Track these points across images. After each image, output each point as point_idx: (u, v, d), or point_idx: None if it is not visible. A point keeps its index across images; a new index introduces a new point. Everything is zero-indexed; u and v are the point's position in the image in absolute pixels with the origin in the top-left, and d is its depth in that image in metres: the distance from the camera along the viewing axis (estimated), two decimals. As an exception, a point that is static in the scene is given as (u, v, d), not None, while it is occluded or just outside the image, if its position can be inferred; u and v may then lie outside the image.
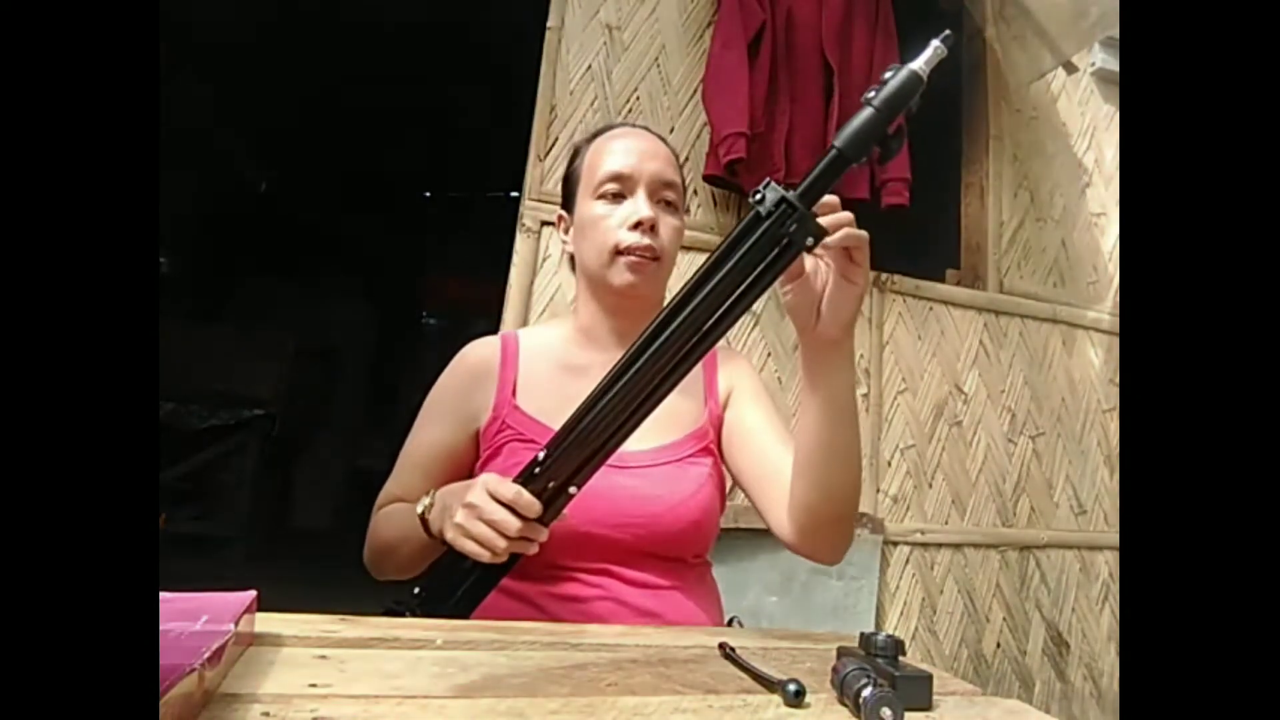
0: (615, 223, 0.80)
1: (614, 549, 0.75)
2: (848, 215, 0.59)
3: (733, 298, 0.56)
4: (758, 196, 0.55)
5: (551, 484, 0.60)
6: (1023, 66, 1.93)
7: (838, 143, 0.56)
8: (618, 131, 0.87)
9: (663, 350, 0.56)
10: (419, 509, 0.70)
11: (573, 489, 0.60)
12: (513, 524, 0.59)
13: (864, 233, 0.60)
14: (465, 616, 0.65)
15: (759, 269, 0.55)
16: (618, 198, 0.81)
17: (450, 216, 6.06)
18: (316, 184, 5.46)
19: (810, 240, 0.55)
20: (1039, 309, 2.06)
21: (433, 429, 0.84)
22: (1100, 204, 2.21)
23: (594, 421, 0.58)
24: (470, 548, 0.61)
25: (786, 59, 1.77)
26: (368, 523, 0.82)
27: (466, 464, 0.83)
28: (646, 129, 0.88)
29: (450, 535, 0.63)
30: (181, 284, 4.48)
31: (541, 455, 0.60)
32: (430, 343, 6.08)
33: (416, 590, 0.66)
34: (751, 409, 0.84)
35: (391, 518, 0.79)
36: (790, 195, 0.55)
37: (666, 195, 0.82)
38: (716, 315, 0.56)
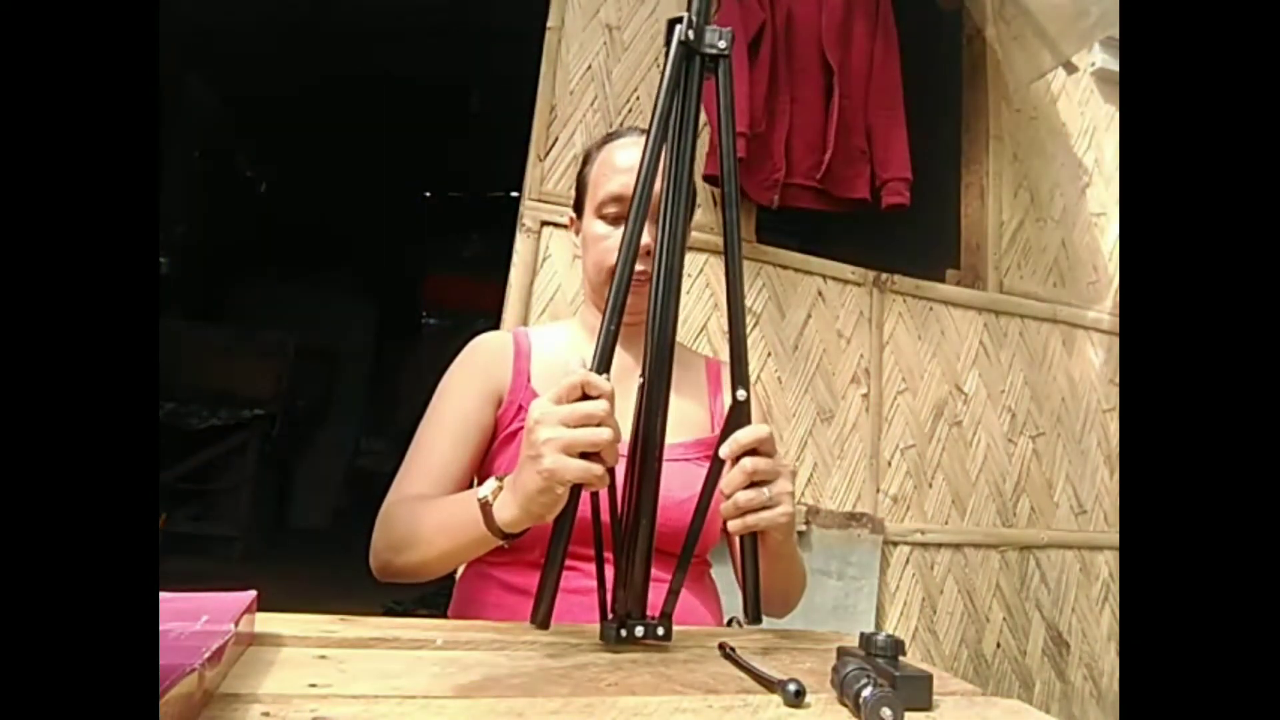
0: (613, 244, 0.80)
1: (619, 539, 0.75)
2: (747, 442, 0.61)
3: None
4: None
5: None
6: (1023, 66, 1.92)
7: None
8: (623, 142, 0.87)
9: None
10: (483, 495, 0.62)
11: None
12: (601, 409, 0.53)
13: (755, 437, 0.61)
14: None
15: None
16: (618, 219, 0.83)
17: (450, 216, 6.07)
18: (317, 184, 5.47)
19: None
20: (1039, 309, 2.06)
21: (459, 402, 0.81)
22: (1100, 204, 2.21)
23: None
24: (575, 467, 0.53)
25: (786, 59, 1.77)
26: (368, 523, 0.81)
27: (489, 443, 0.82)
28: None
29: (549, 464, 0.53)
30: (181, 284, 4.48)
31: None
32: (430, 343, 6.09)
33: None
34: None
35: (425, 509, 0.72)
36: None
37: None
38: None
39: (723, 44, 0.60)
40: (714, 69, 0.61)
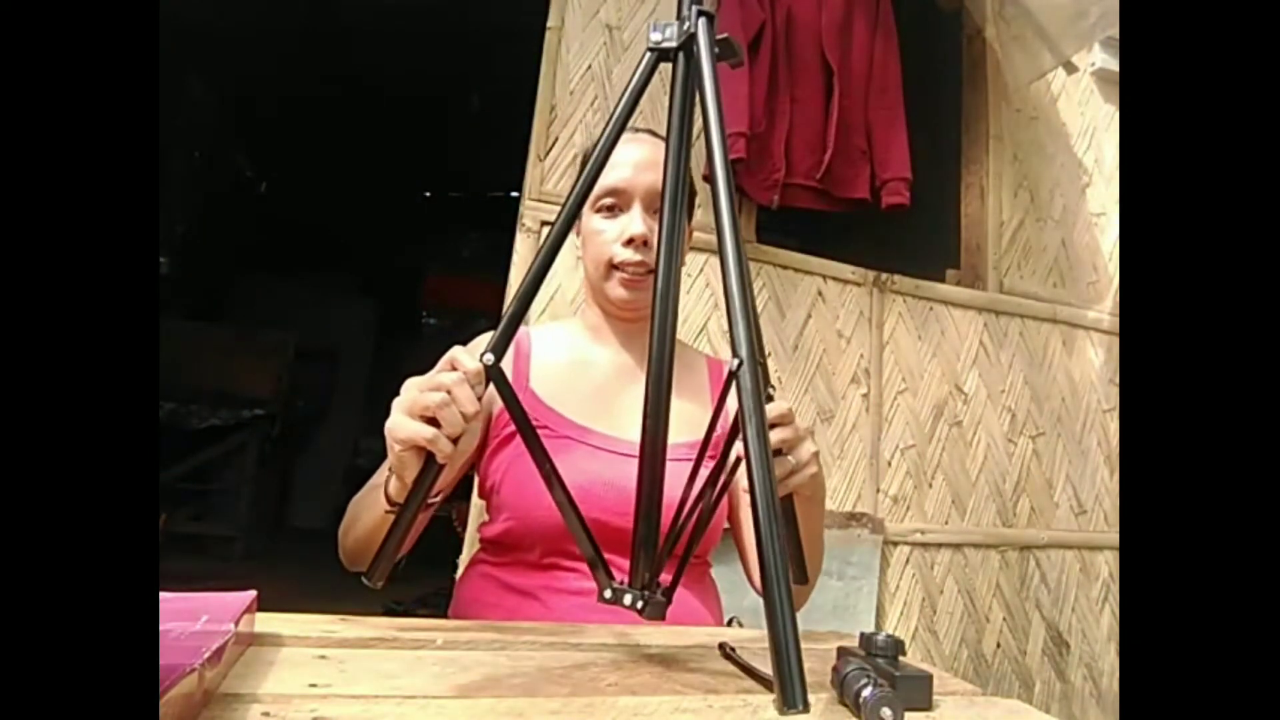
0: (610, 238, 0.82)
1: (620, 539, 0.75)
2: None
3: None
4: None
5: None
6: (1023, 66, 1.93)
7: None
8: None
9: None
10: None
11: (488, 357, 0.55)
12: (449, 379, 0.54)
13: (776, 414, 0.63)
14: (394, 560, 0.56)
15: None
16: (614, 211, 0.83)
17: (450, 216, 6.06)
18: (317, 184, 5.47)
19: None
20: (1039, 309, 2.06)
21: None
22: (1100, 204, 2.21)
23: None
24: (408, 427, 0.54)
25: (786, 59, 1.77)
26: None
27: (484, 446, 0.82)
28: (651, 133, 0.88)
29: (388, 422, 0.56)
30: (181, 284, 4.48)
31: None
32: (430, 343, 6.07)
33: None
34: None
35: (361, 495, 0.76)
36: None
37: None
38: None
39: (687, 25, 0.58)
40: (690, 54, 0.58)
